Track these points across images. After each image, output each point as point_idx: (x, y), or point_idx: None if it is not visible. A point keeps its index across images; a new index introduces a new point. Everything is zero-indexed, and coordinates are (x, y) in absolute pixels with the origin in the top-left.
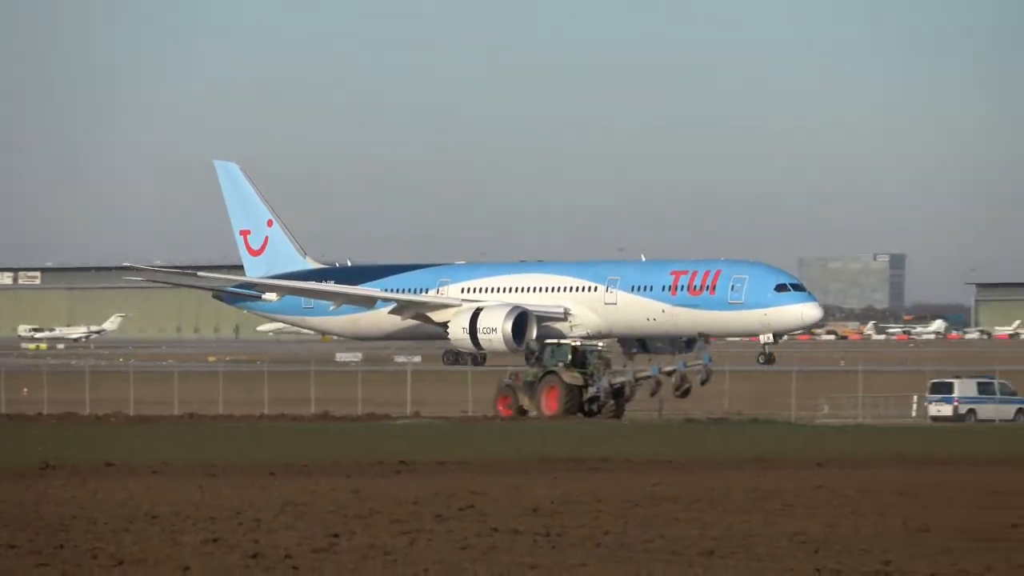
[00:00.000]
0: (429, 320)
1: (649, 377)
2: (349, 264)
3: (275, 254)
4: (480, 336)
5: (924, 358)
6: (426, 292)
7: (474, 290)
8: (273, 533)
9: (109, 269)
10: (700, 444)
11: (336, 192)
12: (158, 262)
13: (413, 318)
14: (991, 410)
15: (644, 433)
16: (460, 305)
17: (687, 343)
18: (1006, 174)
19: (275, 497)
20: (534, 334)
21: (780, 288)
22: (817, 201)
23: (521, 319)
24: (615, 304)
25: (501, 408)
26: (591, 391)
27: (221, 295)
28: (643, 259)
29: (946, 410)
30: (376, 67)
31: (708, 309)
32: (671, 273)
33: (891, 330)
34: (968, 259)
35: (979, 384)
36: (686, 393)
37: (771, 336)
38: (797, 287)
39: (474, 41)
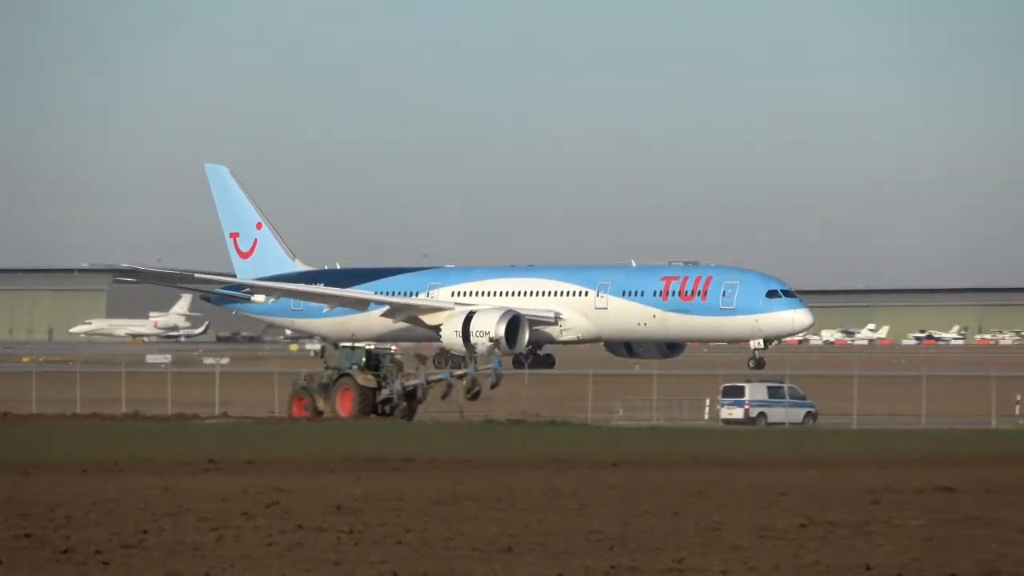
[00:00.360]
0: (421, 323)
1: (441, 380)
2: (338, 267)
3: (264, 257)
4: (473, 339)
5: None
6: (416, 295)
7: (464, 294)
8: (84, 529)
9: None
10: (500, 445)
11: (325, 196)
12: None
13: (405, 321)
14: (781, 413)
15: (446, 434)
16: (453, 308)
17: (669, 347)
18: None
19: (86, 494)
20: (527, 338)
21: (771, 294)
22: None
23: (514, 323)
24: (606, 309)
25: (296, 410)
26: (384, 393)
27: (209, 296)
28: (633, 264)
29: (737, 413)
30: (367, 76)
31: (699, 315)
32: (662, 279)
33: None
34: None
35: (769, 388)
36: (476, 396)
37: (762, 342)
38: (788, 293)
39: (465, 43)
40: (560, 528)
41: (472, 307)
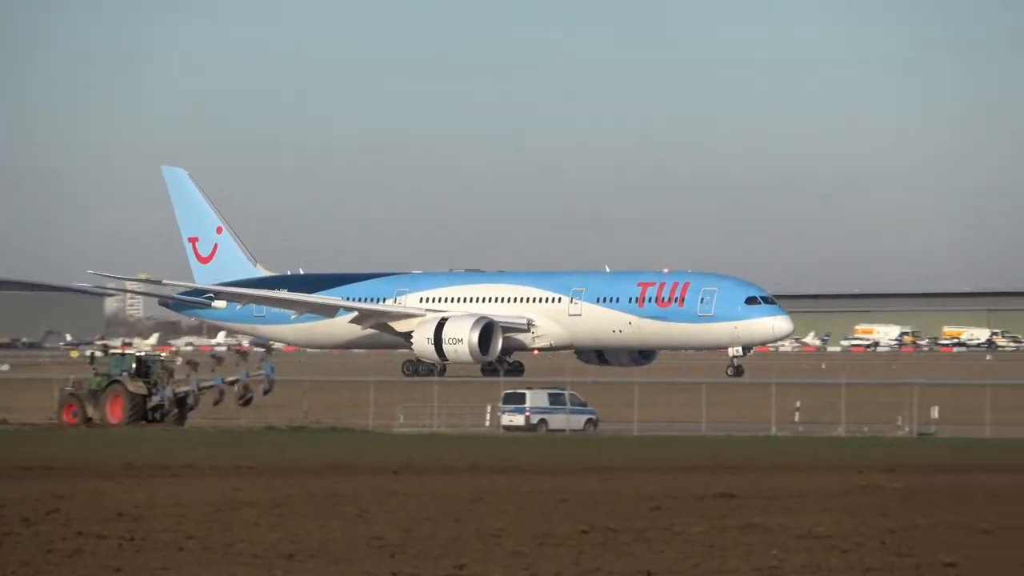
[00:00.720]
0: (391, 330)
1: (212, 387)
2: (302, 272)
3: (225, 262)
4: (445, 346)
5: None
6: (383, 301)
7: (433, 300)
8: None
9: None
10: (280, 451)
11: (286, 200)
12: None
13: (374, 327)
14: (562, 420)
15: (226, 440)
16: (424, 315)
17: (641, 355)
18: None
19: None
20: (499, 345)
21: (751, 301)
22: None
23: (487, 329)
24: (580, 315)
25: (66, 416)
26: (155, 400)
27: (168, 302)
28: (607, 270)
29: (518, 420)
30: (328, 81)
31: (676, 322)
32: (638, 284)
33: None
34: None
35: (550, 395)
36: (248, 402)
37: (740, 349)
38: (767, 300)
39: (433, 47)
40: (341, 534)
41: (444, 314)
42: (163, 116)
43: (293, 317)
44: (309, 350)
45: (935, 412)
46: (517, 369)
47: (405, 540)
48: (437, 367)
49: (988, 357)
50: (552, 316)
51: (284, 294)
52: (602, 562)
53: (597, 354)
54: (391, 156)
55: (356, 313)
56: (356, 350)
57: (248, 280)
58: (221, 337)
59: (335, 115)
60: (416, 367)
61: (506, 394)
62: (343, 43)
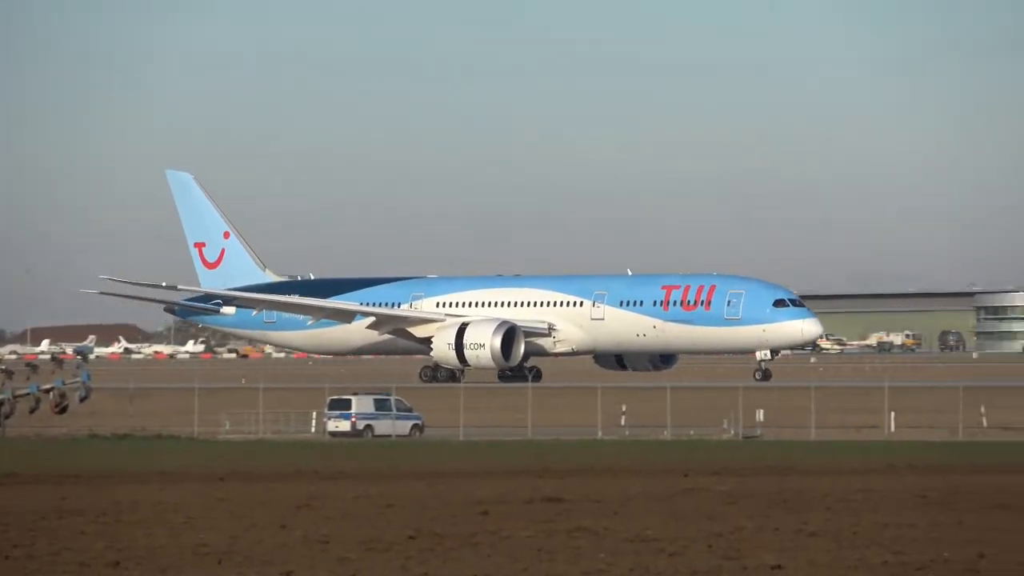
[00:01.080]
0: (410, 335)
1: (28, 394)
2: (312, 277)
3: (232, 267)
4: (467, 352)
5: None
6: (399, 306)
7: (450, 304)
8: None
9: None
10: (106, 459)
11: (293, 204)
12: None
13: (391, 333)
14: (388, 425)
15: (49, 448)
16: (444, 320)
17: (662, 360)
18: None
19: None
20: (521, 350)
21: (779, 303)
22: None
23: (510, 334)
24: (602, 319)
25: None
26: None
27: (174, 308)
28: (629, 273)
29: (344, 425)
30: (337, 81)
31: (702, 325)
32: (662, 288)
33: None
34: None
35: (376, 401)
36: (64, 410)
37: (768, 352)
38: (795, 302)
39: (434, 48)
40: (168, 542)
41: (464, 318)
42: (162, 118)
43: (309, 323)
44: (321, 356)
45: (760, 415)
46: (535, 375)
47: (232, 547)
48: (457, 372)
49: (812, 360)
50: (573, 320)
51: (301, 299)
52: (430, 567)
53: (617, 359)
54: (391, 157)
55: (373, 319)
56: (367, 355)
57: (257, 285)
58: (45, 345)
59: (337, 116)
60: (435, 373)
61: (331, 400)
62: (342, 43)
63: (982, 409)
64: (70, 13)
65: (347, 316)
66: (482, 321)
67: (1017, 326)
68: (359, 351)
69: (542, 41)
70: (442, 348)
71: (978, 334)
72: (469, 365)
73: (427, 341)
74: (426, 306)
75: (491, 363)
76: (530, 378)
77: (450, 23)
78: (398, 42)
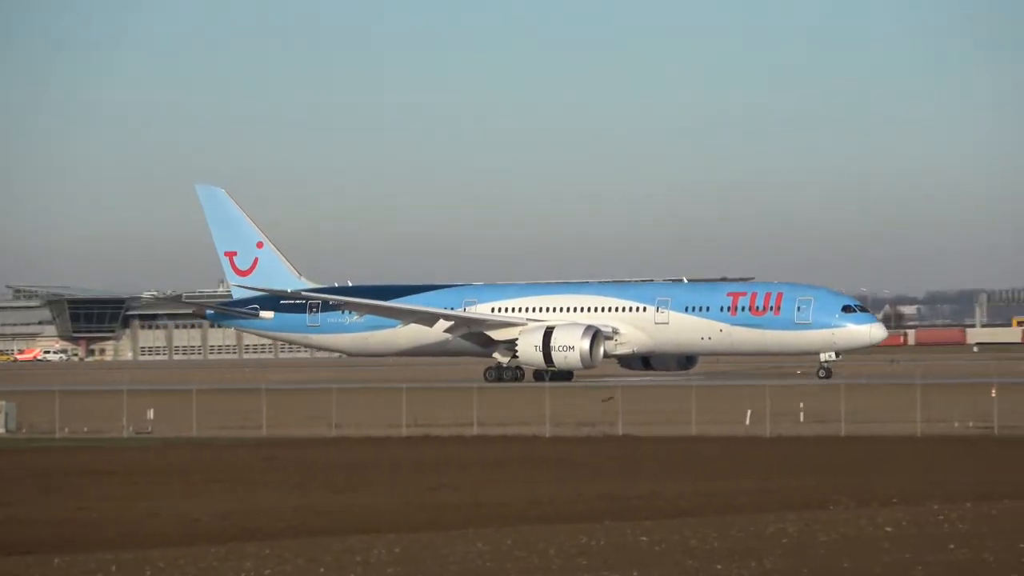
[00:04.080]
0: (488, 339)
1: None
2: (350, 284)
3: (266, 274)
4: (555, 353)
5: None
6: (452, 311)
7: (504, 310)
8: None
9: None
10: None
11: (321, 212)
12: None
13: (464, 337)
14: None
15: None
16: (526, 324)
17: (687, 359)
18: None
19: None
20: (601, 352)
21: (847, 309)
22: None
23: (596, 338)
24: (666, 323)
25: None
26: None
27: (205, 312)
28: (685, 281)
29: None
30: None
31: (772, 329)
32: (728, 295)
33: None
34: None
35: None
36: None
37: (832, 354)
38: (861, 308)
39: (482, 38)
40: None
41: (547, 322)
42: (191, 137)
43: (348, 321)
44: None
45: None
46: (566, 376)
47: None
48: (519, 373)
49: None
50: (636, 324)
51: (383, 303)
52: None
53: (643, 360)
54: (399, 162)
55: (452, 322)
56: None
57: (297, 292)
58: None
59: (353, 124)
60: (500, 373)
61: None
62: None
63: None
64: (89, 17)
65: (431, 319)
66: (568, 325)
67: None
68: (402, 353)
69: (554, 40)
70: (528, 350)
71: None
72: (555, 366)
73: (501, 344)
74: (480, 311)
75: (579, 364)
76: (573, 377)
77: (478, 40)
78: (422, 56)
